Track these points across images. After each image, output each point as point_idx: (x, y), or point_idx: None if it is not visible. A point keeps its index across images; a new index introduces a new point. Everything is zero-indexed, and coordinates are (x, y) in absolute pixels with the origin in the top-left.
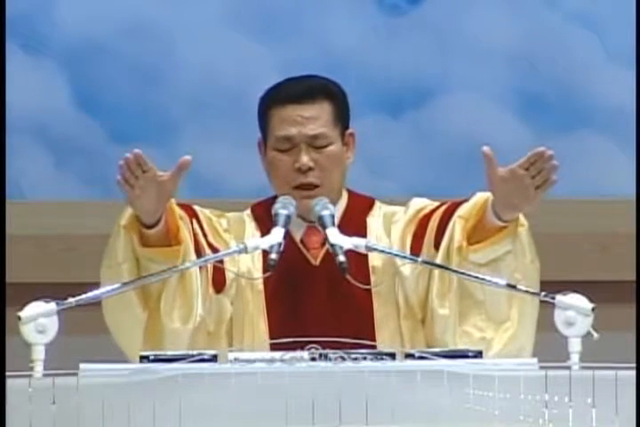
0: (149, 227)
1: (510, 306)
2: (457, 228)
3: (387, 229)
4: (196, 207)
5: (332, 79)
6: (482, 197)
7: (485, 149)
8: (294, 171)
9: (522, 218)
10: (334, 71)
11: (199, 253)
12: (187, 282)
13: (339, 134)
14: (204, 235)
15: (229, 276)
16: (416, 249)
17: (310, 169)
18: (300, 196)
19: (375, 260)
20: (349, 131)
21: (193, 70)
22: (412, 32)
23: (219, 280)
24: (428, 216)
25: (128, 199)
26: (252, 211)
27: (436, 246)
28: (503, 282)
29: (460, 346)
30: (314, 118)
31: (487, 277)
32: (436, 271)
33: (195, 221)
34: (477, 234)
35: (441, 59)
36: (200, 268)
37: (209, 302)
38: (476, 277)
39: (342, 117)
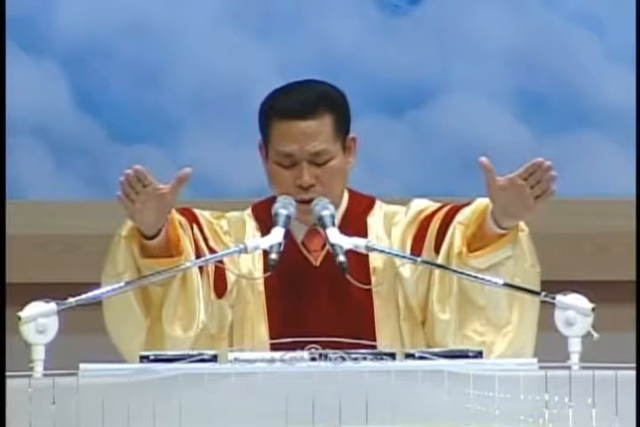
0: (150, 238)
1: (511, 310)
2: (456, 234)
3: (387, 230)
4: (196, 211)
5: (332, 84)
6: (482, 203)
7: (482, 159)
8: (296, 187)
9: (522, 223)
10: (334, 71)
11: None
12: (188, 289)
13: (340, 146)
14: (205, 239)
15: (230, 280)
16: (416, 252)
17: (312, 186)
18: (301, 209)
19: (376, 261)
20: (351, 136)
21: (193, 70)
22: (412, 32)
23: (220, 285)
24: (428, 218)
25: (128, 213)
26: (253, 210)
27: (437, 250)
28: (503, 282)
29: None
30: (315, 134)
31: (487, 278)
32: (436, 276)
33: (195, 225)
34: (477, 241)
35: (441, 59)
36: (201, 273)
37: (211, 307)
38: (476, 277)
39: (343, 126)
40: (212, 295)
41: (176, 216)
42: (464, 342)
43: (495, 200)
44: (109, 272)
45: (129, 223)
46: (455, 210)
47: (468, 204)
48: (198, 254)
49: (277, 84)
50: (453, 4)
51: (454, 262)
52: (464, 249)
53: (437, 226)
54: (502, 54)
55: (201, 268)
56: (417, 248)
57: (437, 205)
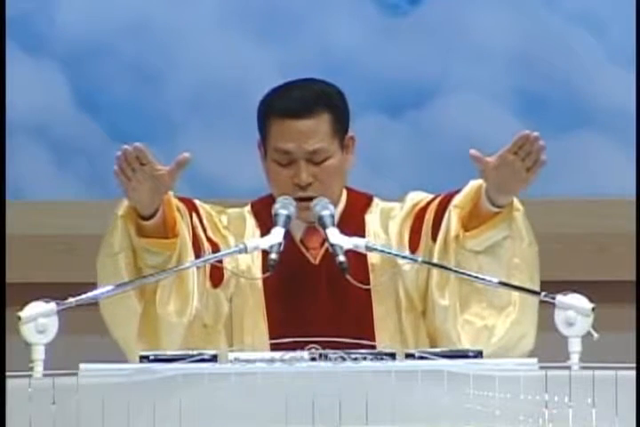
0: (146, 218)
1: (510, 292)
2: (453, 217)
3: (384, 226)
4: (197, 202)
5: (331, 83)
6: (475, 184)
7: (472, 151)
8: (293, 185)
9: (517, 202)
10: (334, 71)
11: (197, 246)
12: (183, 276)
13: (338, 145)
14: (204, 229)
15: (227, 271)
16: (414, 243)
17: (310, 184)
18: (299, 206)
19: (374, 257)
20: (349, 135)
21: (193, 70)
22: (413, 32)
23: (216, 275)
24: (424, 209)
25: (124, 190)
26: (252, 207)
27: (434, 238)
28: (502, 282)
29: (462, 335)
30: (312, 133)
31: (487, 278)
32: (435, 261)
33: (194, 214)
34: (473, 221)
35: (441, 59)
36: None
37: (206, 296)
38: (476, 277)
39: (342, 125)
40: (208, 284)
41: (174, 200)
42: (465, 327)
43: (490, 179)
44: (105, 251)
45: (126, 203)
46: (449, 196)
47: (461, 189)
48: (196, 242)
49: (277, 84)
50: (453, 4)
51: (452, 247)
52: (460, 231)
53: (432, 214)
54: (502, 54)
55: (197, 256)
56: (414, 240)
57: (432, 196)
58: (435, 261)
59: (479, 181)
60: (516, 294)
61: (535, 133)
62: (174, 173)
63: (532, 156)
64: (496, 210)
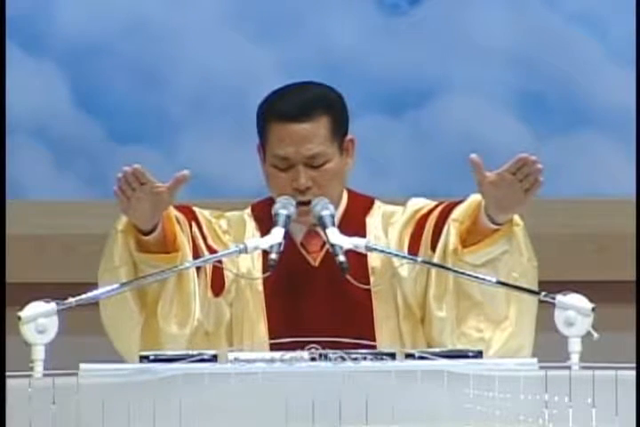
0: (146, 233)
1: (508, 305)
2: (451, 231)
3: (385, 230)
4: (196, 209)
5: (329, 86)
6: (475, 199)
7: (473, 156)
8: (292, 189)
9: (516, 217)
10: (334, 71)
11: (197, 258)
12: (184, 287)
13: (337, 148)
14: (204, 238)
15: (228, 278)
16: (414, 250)
17: (309, 188)
18: (299, 210)
19: (374, 260)
20: (349, 137)
21: (193, 70)
22: (412, 32)
23: (218, 284)
24: (425, 217)
25: (122, 209)
26: (252, 210)
27: (433, 248)
28: (500, 281)
29: (459, 347)
30: (311, 137)
31: (487, 278)
32: (433, 273)
33: (194, 223)
34: (472, 236)
35: (441, 59)
36: (198, 272)
37: (207, 305)
38: (476, 278)
39: (340, 128)
40: (209, 294)
41: (173, 213)
42: (461, 339)
43: (487, 195)
44: (105, 266)
45: (125, 218)
46: (450, 208)
47: (462, 201)
48: (196, 253)
49: (277, 84)
50: (453, 4)
51: (450, 260)
52: (459, 246)
53: (433, 224)
54: (502, 54)
55: (198, 268)
56: (414, 247)
57: (434, 203)
58: (433, 271)
59: (479, 197)
60: (512, 308)
61: (533, 157)
62: (173, 189)
63: (531, 177)
64: (495, 227)
